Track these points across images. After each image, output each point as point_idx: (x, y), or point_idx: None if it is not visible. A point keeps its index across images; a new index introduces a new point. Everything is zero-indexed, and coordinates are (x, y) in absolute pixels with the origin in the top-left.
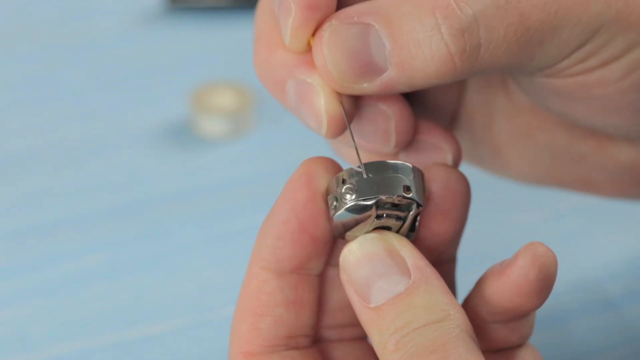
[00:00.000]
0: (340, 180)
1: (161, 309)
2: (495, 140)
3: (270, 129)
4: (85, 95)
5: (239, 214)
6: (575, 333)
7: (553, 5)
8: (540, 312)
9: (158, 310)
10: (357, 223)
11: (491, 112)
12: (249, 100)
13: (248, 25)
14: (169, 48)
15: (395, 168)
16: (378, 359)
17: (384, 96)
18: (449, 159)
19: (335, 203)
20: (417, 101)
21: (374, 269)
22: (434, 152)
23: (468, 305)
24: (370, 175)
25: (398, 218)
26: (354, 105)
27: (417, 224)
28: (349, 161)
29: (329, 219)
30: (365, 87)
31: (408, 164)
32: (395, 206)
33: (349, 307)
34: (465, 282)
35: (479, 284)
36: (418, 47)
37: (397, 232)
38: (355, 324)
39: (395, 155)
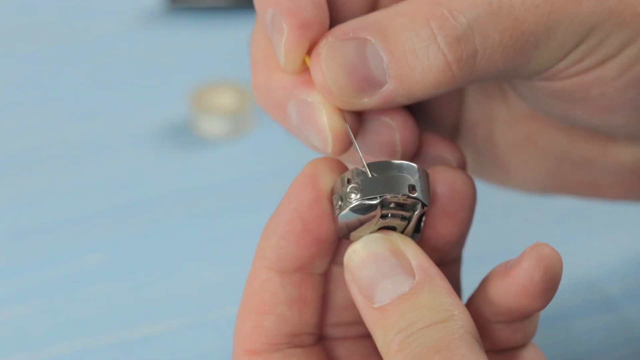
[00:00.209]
0: (345, 180)
1: (161, 309)
2: (497, 151)
3: (270, 129)
4: (85, 95)
5: (238, 214)
6: (575, 333)
7: (546, 7)
8: (540, 312)
9: (158, 310)
10: (362, 223)
11: (491, 122)
12: (249, 100)
13: (248, 25)
14: (169, 48)
15: (400, 168)
16: (382, 358)
17: (387, 109)
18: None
19: (340, 203)
20: (418, 116)
21: (379, 269)
22: (439, 163)
23: (472, 306)
24: (375, 174)
25: (403, 218)
26: (357, 121)
27: (422, 224)
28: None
29: (334, 219)
30: (366, 101)
31: (413, 164)
32: (400, 206)
33: (353, 305)
34: (468, 282)
35: (483, 284)
36: (415, 58)
37: (402, 232)
38: (360, 322)
39: None
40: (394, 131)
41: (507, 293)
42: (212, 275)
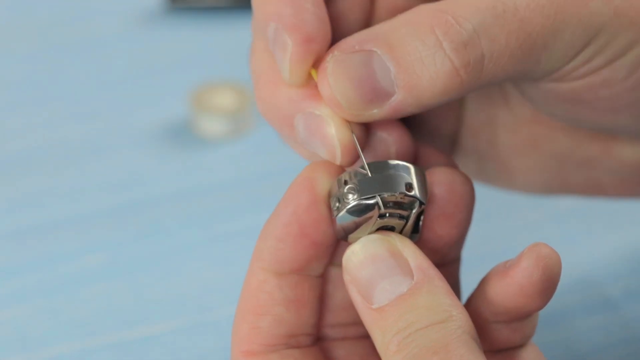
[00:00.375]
0: (342, 182)
1: (161, 309)
2: (500, 155)
3: (270, 129)
4: (85, 95)
5: (238, 214)
6: (575, 332)
7: (551, 8)
8: (540, 312)
9: (158, 310)
10: (360, 224)
11: (494, 127)
12: (248, 100)
13: (248, 25)
14: (169, 48)
15: (396, 167)
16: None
17: (383, 124)
18: None
19: (337, 204)
20: (417, 126)
21: (377, 270)
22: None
23: (471, 305)
24: (371, 174)
25: (401, 217)
26: (364, 132)
27: (420, 224)
28: None
29: (332, 221)
30: (375, 112)
31: (409, 164)
32: (397, 205)
33: (352, 305)
34: (467, 282)
35: (482, 284)
36: (423, 66)
37: (401, 232)
38: (359, 322)
39: None
40: (390, 146)
41: (506, 293)
42: (212, 275)
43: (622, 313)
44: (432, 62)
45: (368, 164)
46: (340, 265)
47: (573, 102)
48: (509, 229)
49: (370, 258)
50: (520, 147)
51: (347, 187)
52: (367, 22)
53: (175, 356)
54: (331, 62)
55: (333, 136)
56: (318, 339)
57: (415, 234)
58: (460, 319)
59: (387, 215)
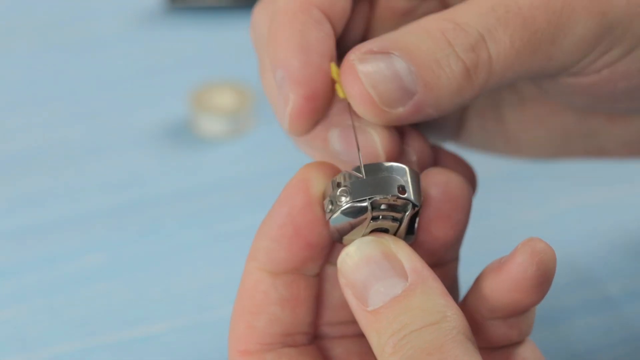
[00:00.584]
0: (335, 184)
1: (161, 309)
2: (506, 131)
3: (270, 129)
4: (85, 95)
5: (238, 213)
6: (574, 331)
7: (557, 3)
8: (539, 310)
9: (158, 309)
10: (354, 226)
11: (500, 107)
12: (248, 100)
13: (248, 25)
14: (169, 48)
15: (390, 169)
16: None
17: (404, 133)
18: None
19: (330, 206)
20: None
21: (371, 272)
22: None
23: (467, 303)
24: (365, 177)
25: (394, 219)
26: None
27: (416, 226)
28: None
29: (326, 223)
30: (400, 111)
31: (403, 165)
32: (390, 207)
33: None
34: (467, 281)
35: (478, 281)
36: (439, 67)
37: (395, 234)
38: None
39: None
40: (411, 155)
41: (501, 288)
42: (212, 274)
43: (622, 312)
44: (447, 63)
45: (362, 166)
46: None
47: (591, 94)
48: (509, 228)
49: (365, 260)
50: (526, 124)
51: (339, 189)
52: (367, 27)
53: (175, 356)
54: (357, 60)
55: (376, 143)
56: (316, 338)
57: (410, 235)
58: (454, 319)
59: (381, 217)
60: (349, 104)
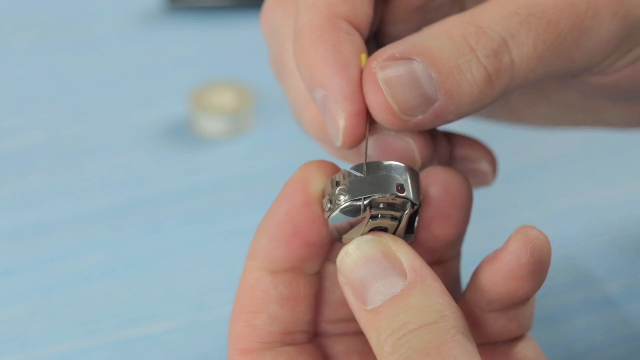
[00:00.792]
0: (334, 183)
1: (160, 308)
2: (511, 106)
3: (270, 129)
4: (85, 95)
5: (238, 213)
6: (574, 330)
7: (582, 5)
8: (539, 310)
9: (157, 309)
10: (353, 225)
11: None
12: (248, 100)
13: (248, 25)
14: (169, 48)
15: (388, 168)
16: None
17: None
18: (487, 168)
19: (329, 205)
20: None
21: (371, 271)
22: (469, 163)
23: (465, 297)
24: (364, 175)
25: (393, 218)
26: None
27: (415, 224)
28: None
29: (325, 222)
30: (420, 118)
31: (401, 164)
32: (389, 206)
33: None
34: (466, 281)
35: (475, 274)
36: (461, 73)
37: (394, 232)
38: None
39: None
40: (414, 153)
41: (497, 278)
42: (212, 274)
43: (622, 311)
44: (468, 69)
45: (360, 165)
46: None
47: (610, 90)
48: (509, 228)
49: (364, 259)
50: (530, 99)
51: (338, 188)
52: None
53: (175, 355)
54: (378, 68)
55: (413, 150)
56: (316, 335)
57: (409, 234)
58: (453, 318)
59: (380, 216)
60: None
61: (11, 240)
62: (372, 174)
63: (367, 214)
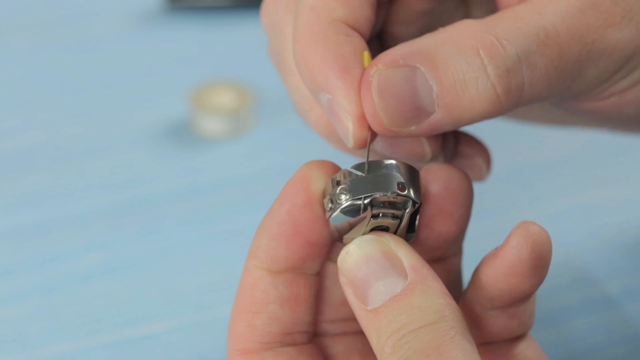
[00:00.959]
0: (335, 182)
1: (160, 308)
2: None
3: (270, 129)
4: (85, 95)
5: (238, 213)
6: (575, 331)
7: (589, 36)
8: (540, 310)
9: (157, 309)
10: (354, 224)
11: None
12: (248, 100)
13: (248, 25)
14: (169, 48)
15: (389, 167)
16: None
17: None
18: (481, 164)
19: (330, 205)
20: None
21: (371, 271)
22: (468, 159)
23: (466, 296)
24: (365, 174)
25: (394, 217)
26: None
27: (416, 223)
28: None
29: (326, 221)
30: (413, 129)
31: (403, 163)
32: (390, 204)
33: None
34: (467, 281)
35: (475, 272)
36: (465, 89)
37: (395, 232)
38: None
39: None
40: (424, 145)
41: (498, 274)
42: (212, 274)
43: (622, 311)
44: (474, 86)
45: (361, 164)
46: None
47: (597, 115)
48: (509, 228)
49: (364, 259)
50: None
51: (339, 187)
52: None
53: (175, 355)
54: (375, 77)
55: (424, 145)
56: (316, 335)
57: (411, 233)
58: (453, 319)
59: (381, 215)
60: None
61: (11, 240)
62: (372, 173)
63: (369, 212)
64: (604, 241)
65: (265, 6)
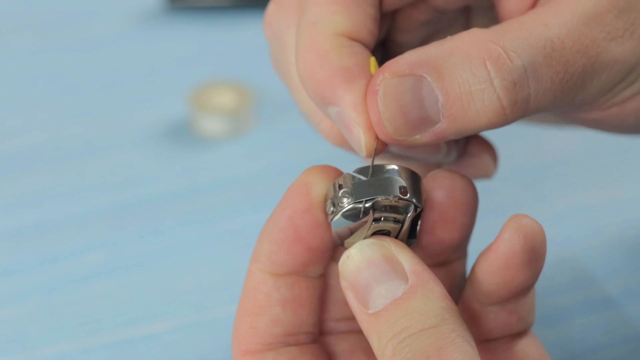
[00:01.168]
0: (337, 186)
1: (160, 308)
2: None
3: (270, 129)
4: (85, 95)
5: (238, 213)
6: (574, 331)
7: (593, 49)
8: (540, 310)
9: (157, 309)
10: (355, 229)
11: None
12: (248, 100)
13: (248, 25)
14: (169, 48)
15: (391, 171)
16: None
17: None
18: (489, 161)
19: (332, 208)
20: None
21: (373, 275)
22: (476, 157)
23: (464, 294)
24: (366, 178)
25: (396, 221)
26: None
27: (417, 229)
28: None
29: (328, 226)
30: (417, 138)
31: (404, 167)
32: (392, 209)
33: None
34: None
35: (472, 269)
36: (471, 100)
37: (397, 236)
38: None
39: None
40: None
41: (492, 268)
42: (212, 274)
43: (622, 311)
44: (480, 98)
45: (363, 168)
46: None
47: (597, 124)
48: None
49: (366, 263)
50: None
51: (341, 191)
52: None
53: (175, 355)
54: (382, 86)
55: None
56: (322, 333)
57: (412, 239)
58: (454, 322)
59: (382, 219)
60: None
61: (11, 240)
62: (374, 177)
63: (370, 216)
64: (604, 241)
65: (267, 18)
